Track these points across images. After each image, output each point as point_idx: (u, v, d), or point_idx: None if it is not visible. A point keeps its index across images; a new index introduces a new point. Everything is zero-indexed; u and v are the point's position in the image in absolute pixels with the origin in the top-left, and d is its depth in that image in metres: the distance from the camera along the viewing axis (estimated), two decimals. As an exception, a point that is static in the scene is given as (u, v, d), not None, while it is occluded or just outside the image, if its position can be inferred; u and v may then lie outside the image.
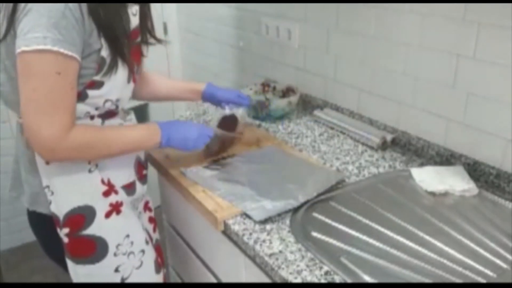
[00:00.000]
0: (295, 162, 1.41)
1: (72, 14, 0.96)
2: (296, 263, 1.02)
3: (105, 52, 1.06)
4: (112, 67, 1.08)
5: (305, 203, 1.21)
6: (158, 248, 1.42)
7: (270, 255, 1.04)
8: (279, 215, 1.17)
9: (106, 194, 1.17)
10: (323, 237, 1.11)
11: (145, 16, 1.23)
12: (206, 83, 1.53)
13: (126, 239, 1.21)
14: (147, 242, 1.28)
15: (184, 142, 1.25)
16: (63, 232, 1.14)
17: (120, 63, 1.10)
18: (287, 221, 1.15)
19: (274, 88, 1.91)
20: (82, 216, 1.14)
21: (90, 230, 1.15)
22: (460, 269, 1.00)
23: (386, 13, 1.52)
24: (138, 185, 1.27)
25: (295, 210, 1.19)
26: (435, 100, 1.44)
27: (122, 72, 1.12)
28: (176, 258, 1.71)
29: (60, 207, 1.13)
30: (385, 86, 1.59)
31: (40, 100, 0.98)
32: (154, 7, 1.28)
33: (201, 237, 1.41)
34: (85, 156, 1.11)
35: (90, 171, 1.15)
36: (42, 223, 1.20)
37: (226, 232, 1.18)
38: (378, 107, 1.64)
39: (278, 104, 1.75)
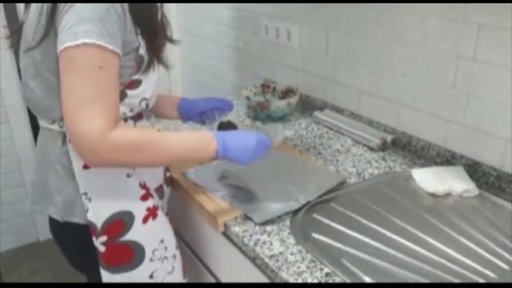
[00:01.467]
0: (296, 164, 1.41)
1: (115, 10, 0.96)
2: (296, 264, 1.01)
3: (143, 50, 1.06)
4: (150, 65, 1.08)
5: (306, 204, 1.21)
6: None
7: (271, 257, 1.04)
8: (279, 216, 1.17)
9: (144, 198, 1.16)
10: (324, 239, 1.11)
11: (162, 14, 1.20)
12: (179, 98, 1.41)
13: (161, 244, 1.19)
14: (177, 247, 1.27)
15: (243, 152, 1.12)
16: (99, 241, 1.11)
17: (155, 61, 1.10)
18: (288, 223, 1.15)
19: (274, 89, 1.91)
20: (121, 222, 1.12)
21: (128, 236, 1.13)
22: (460, 270, 1.00)
23: (385, 14, 1.52)
24: (165, 188, 1.27)
25: (296, 211, 1.19)
26: (435, 101, 1.44)
27: (155, 70, 1.12)
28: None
29: (98, 214, 1.10)
30: (385, 87, 1.59)
31: (82, 94, 0.94)
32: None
33: (202, 238, 1.41)
34: (131, 160, 1.02)
35: (128, 175, 1.13)
36: (74, 234, 1.16)
37: (226, 234, 1.18)
38: (378, 108, 1.63)
39: (278, 105, 1.75)
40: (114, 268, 1.15)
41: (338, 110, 1.78)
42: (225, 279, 1.34)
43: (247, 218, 1.17)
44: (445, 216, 1.19)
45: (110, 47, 0.95)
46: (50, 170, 1.14)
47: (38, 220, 2.76)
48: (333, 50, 1.76)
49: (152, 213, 1.17)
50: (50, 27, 0.98)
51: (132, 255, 1.15)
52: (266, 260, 1.03)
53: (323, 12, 1.76)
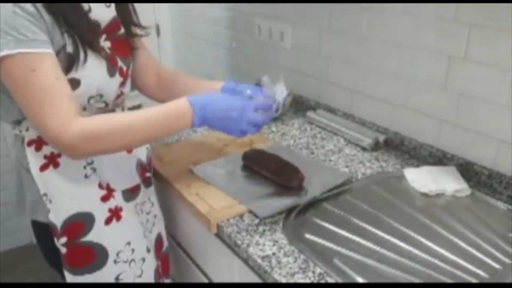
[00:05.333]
0: (301, 161, 1.40)
1: (24, 11, 0.94)
2: (289, 265, 1.01)
3: (70, 48, 1.03)
4: (78, 60, 1.04)
5: (298, 205, 1.21)
6: (165, 257, 1.41)
7: (263, 258, 1.04)
8: (272, 216, 1.17)
9: (104, 199, 1.15)
10: (316, 239, 1.11)
11: (122, 8, 1.19)
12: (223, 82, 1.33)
13: (127, 246, 1.19)
14: (148, 250, 1.26)
15: (227, 121, 1.10)
16: (60, 242, 1.12)
17: (92, 56, 1.06)
18: (280, 223, 1.15)
19: (267, 89, 1.91)
20: (80, 223, 1.12)
21: (89, 237, 1.13)
22: (452, 269, 1.01)
23: (378, 14, 1.52)
24: (142, 189, 1.26)
25: (288, 212, 1.19)
26: (427, 101, 1.44)
27: (97, 65, 1.08)
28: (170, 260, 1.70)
29: (58, 215, 1.11)
30: (378, 87, 1.59)
31: (31, 101, 0.96)
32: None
33: (194, 239, 1.41)
34: (111, 146, 1.04)
35: (86, 176, 1.13)
36: (42, 232, 1.18)
37: (219, 235, 1.18)
38: (371, 108, 1.64)
39: (271, 105, 1.75)
40: (77, 269, 1.15)
41: (331, 110, 1.78)
42: (217, 279, 1.34)
43: (240, 218, 1.17)
44: (438, 216, 1.19)
45: (33, 50, 0.94)
46: (19, 171, 1.17)
47: (32, 221, 2.74)
48: (326, 50, 1.77)
49: (115, 214, 1.17)
50: None
51: (93, 256, 1.15)
52: (259, 261, 1.03)
53: (316, 12, 1.76)
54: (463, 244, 1.09)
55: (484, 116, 1.30)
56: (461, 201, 1.26)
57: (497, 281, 0.99)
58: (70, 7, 1.03)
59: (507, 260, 1.04)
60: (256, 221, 1.16)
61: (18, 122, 1.10)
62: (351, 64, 1.67)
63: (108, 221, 1.15)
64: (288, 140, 1.63)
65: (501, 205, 1.23)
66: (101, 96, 1.12)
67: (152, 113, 1.08)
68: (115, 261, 1.17)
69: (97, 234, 1.14)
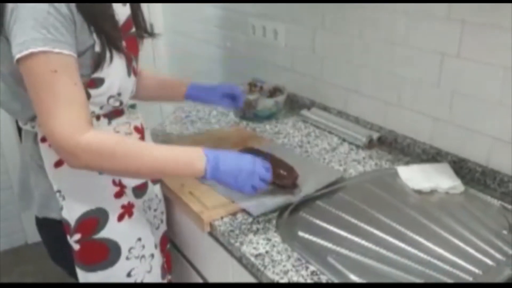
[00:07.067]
0: (294, 159, 1.39)
1: (58, 11, 0.94)
2: (282, 263, 1.01)
3: (98, 47, 1.03)
4: (104, 59, 1.04)
5: (291, 203, 1.21)
6: (168, 254, 1.41)
7: (256, 256, 1.04)
8: (265, 215, 1.17)
9: (117, 195, 1.15)
10: (310, 237, 1.11)
11: (135, 8, 1.20)
12: (189, 82, 1.46)
13: (138, 242, 1.19)
14: (155, 246, 1.26)
15: (238, 176, 1.07)
16: (73, 239, 1.11)
17: (116, 56, 1.07)
18: (274, 221, 1.15)
19: (261, 88, 1.90)
20: (94, 220, 1.12)
21: (103, 234, 1.13)
22: (446, 266, 1.01)
23: (371, 13, 1.52)
24: (150, 185, 1.26)
25: (282, 210, 1.18)
26: (420, 99, 1.44)
27: (120, 65, 1.09)
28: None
29: (71, 212, 1.10)
30: (371, 85, 1.59)
31: (45, 101, 0.95)
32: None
33: (188, 238, 1.41)
34: (112, 167, 1.01)
35: (100, 172, 1.10)
36: (53, 229, 1.16)
37: (213, 233, 1.18)
38: (365, 106, 1.64)
39: (265, 104, 1.75)
40: (90, 266, 1.14)
41: (325, 109, 1.78)
42: (212, 278, 1.34)
43: (233, 217, 1.17)
44: (431, 213, 1.19)
45: (58, 50, 0.94)
46: (29, 167, 1.16)
47: (26, 222, 2.73)
48: (320, 49, 1.76)
49: (127, 210, 1.17)
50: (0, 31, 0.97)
51: (107, 253, 1.14)
52: (252, 259, 1.03)
53: (309, 11, 1.76)
54: (456, 241, 1.09)
55: (477, 114, 1.30)
56: (454, 198, 1.26)
57: (491, 277, 0.98)
58: (101, 7, 1.04)
59: (500, 257, 1.04)
60: (250, 219, 1.16)
61: (32, 118, 1.10)
62: (345, 62, 1.67)
63: (121, 218, 1.15)
64: (282, 138, 1.62)
65: (495, 202, 1.24)
66: (119, 95, 1.12)
67: (166, 149, 1.06)
68: (127, 257, 1.17)
69: (111, 231, 1.14)
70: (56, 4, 0.94)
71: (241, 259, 1.08)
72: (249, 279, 1.09)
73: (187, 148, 1.07)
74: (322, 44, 1.75)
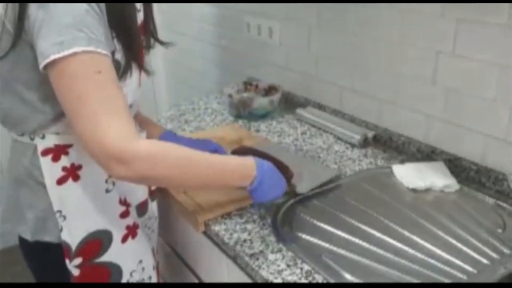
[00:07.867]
0: (290, 158, 1.39)
1: (94, 10, 0.86)
2: (276, 262, 1.01)
3: (119, 55, 0.96)
4: (127, 70, 0.98)
5: (286, 201, 1.20)
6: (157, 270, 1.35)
7: (251, 256, 1.03)
8: (259, 215, 1.16)
9: (123, 215, 1.07)
10: (305, 236, 1.10)
11: (148, 14, 1.12)
12: (164, 130, 1.33)
13: (139, 265, 1.13)
14: (154, 268, 1.20)
15: (271, 191, 1.07)
16: (73, 264, 1.02)
17: (133, 66, 1.00)
18: (268, 221, 1.15)
19: (257, 86, 1.90)
20: (98, 242, 1.04)
21: (105, 257, 1.05)
22: (440, 265, 1.01)
23: (365, 11, 1.52)
24: (149, 203, 1.19)
25: (276, 209, 1.18)
26: (415, 97, 1.44)
27: (135, 75, 1.03)
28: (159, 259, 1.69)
29: (73, 233, 1.01)
30: (366, 83, 1.59)
31: (90, 105, 0.84)
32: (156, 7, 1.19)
33: (183, 238, 1.40)
34: (166, 175, 0.91)
35: (107, 190, 1.04)
36: (46, 255, 1.06)
37: (207, 233, 1.17)
38: (360, 104, 1.63)
39: (260, 102, 1.74)
40: None
41: (321, 107, 1.78)
42: (207, 278, 1.33)
43: (227, 217, 1.16)
44: (426, 211, 1.19)
45: (100, 50, 0.85)
46: (22, 184, 1.03)
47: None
48: (315, 47, 1.76)
49: (132, 231, 1.10)
50: (19, 35, 0.87)
51: (108, 277, 1.07)
52: (246, 259, 1.03)
53: (304, 10, 1.76)
54: (451, 240, 1.09)
55: (472, 112, 1.30)
56: (449, 197, 1.26)
57: (486, 276, 0.98)
58: (130, 14, 0.97)
59: (495, 256, 1.04)
60: (244, 218, 1.16)
61: (35, 129, 0.99)
62: (340, 60, 1.66)
63: (124, 239, 1.08)
64: (277, 137, 1.62)
65: (490, 200, 1.23)
66: (131, 106, 1.04)
67: (220, 157, 1.06)
68: (127, 281, 1.10)
69: (114, 254, 1.06)
70: (92, 4, 0.86)
71: (235, 259, 1.08)
72: (244, 278, 1.09)
73: (240, 158, 1.06)
74: (317, 42, 1.74)
